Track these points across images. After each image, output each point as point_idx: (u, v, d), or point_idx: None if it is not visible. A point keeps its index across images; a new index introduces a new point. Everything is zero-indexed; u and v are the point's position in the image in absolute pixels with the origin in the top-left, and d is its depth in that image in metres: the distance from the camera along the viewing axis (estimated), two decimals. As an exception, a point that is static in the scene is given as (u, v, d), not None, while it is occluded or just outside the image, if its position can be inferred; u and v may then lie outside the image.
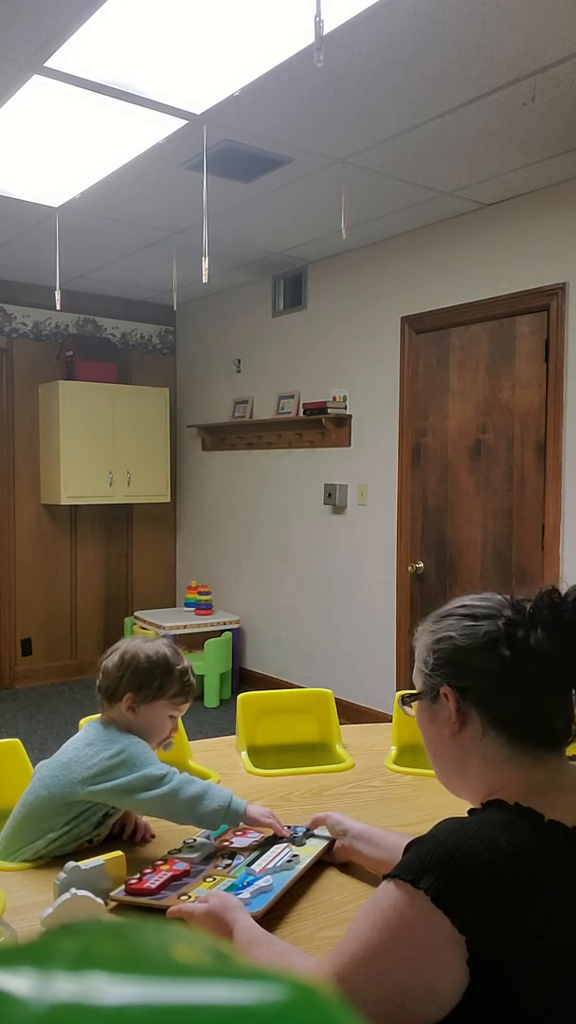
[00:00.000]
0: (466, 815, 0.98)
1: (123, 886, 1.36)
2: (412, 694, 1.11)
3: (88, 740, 1.58)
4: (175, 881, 1.38)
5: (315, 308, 5.24)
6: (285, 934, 1.27)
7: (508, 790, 0.98)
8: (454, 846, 0.89)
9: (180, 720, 2.03)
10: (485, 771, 1.02)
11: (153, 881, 1.37)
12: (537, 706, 1.00)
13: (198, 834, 1.56)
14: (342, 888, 1.42)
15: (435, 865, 0.87)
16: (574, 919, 0.88)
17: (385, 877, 0.92)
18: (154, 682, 1.59)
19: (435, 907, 0.85)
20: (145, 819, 1.66)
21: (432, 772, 1.12)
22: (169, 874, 1.39)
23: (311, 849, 1.48)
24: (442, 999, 0.86)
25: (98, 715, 1.67)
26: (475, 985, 0.86)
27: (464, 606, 1.07)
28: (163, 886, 1.36)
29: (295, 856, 1.45)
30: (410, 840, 0.95)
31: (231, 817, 1.51)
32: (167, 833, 1.63)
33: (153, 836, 1.64)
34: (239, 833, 1.58)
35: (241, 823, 1.53)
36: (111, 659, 1.64)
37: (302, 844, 1.50)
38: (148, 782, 1.48)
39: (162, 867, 1.42)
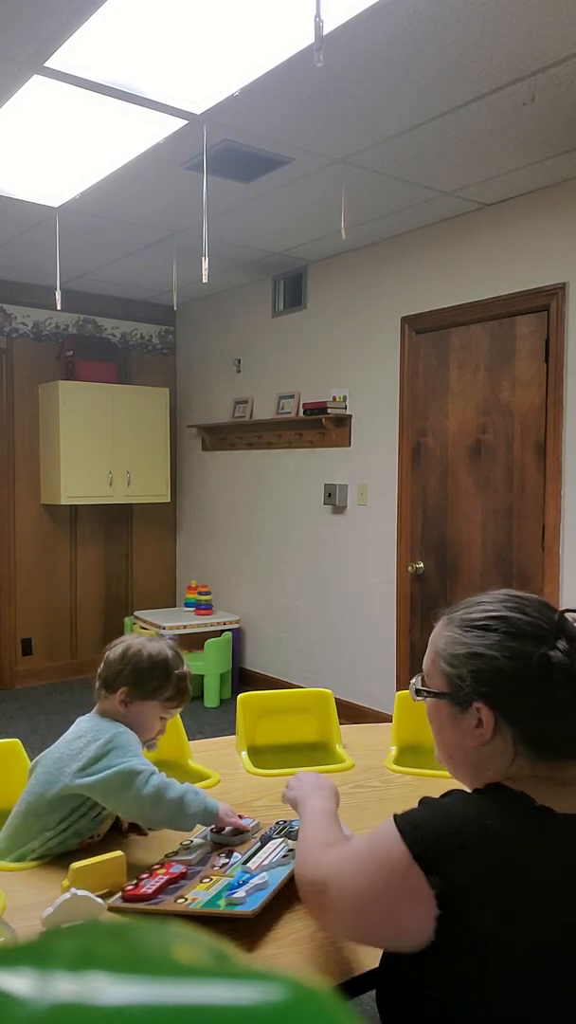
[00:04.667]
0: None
1: (120, 893, 1.36)
2: (433, 692, 1.09)
3: (79, 733, 1.59)
4: (172, 884, 1.38)
5: (315, 308, 5.24)
6: (285, 934, 1.27)
7: (516, 782, 1.01)
8: (446, 813, 0.98)
9: (180, 721, 2.04)
10: (500, 774, 1.03)
11: (150, 886, 1.36)
12: None
13: (194, 835, 1.56)
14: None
15: (425, 826, 0.97)
16: (550, 900, 0.92)
17: (394, 817, 1.01)
18: (151, 682, 1.61)
19: (414, 862, 0.94)
20: None
21: (433, 773, 1.13)
22: (166, 877, 1.39)
23: None
24: (403, 937, 0.97)
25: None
26: (442, 945, 0.93)
27: (504, 619, 1.03)
28: (160, 890, 1.36)
29: (290, 851, 1.45)
30: (423, 797, 1.03)
31: (206, 819, 1.52)
32: (163, 835, 1.63)
33: (150, 830, 1.65)
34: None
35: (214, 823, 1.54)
36: (115, 650, 1.66)
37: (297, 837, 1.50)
38: (129, 777, 1.47)
39: (159, 871, 1.42)
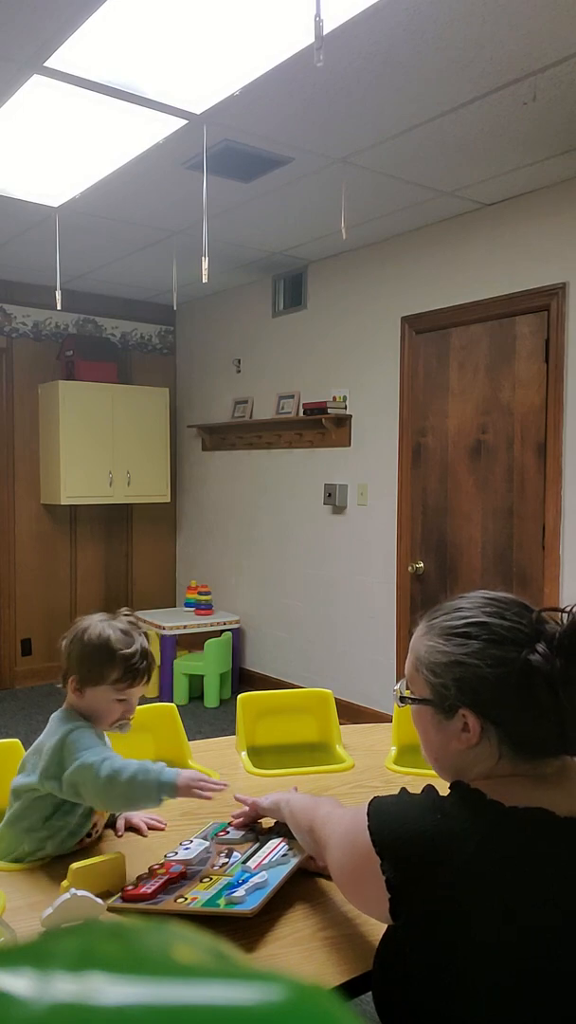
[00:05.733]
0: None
1: (120, 893, 1.36)
2: (417, 699, 1.10)
3: (46, 732, 1.57)
4: (171, 884, 1.38)
5: (315, 308, 5.24)
6: (285, 934, 1.27)
7: (482, 782, 1.03)
8: (404, 807, 1.04)
9: (180, 721, 2.04)
10: (483, 774, 1.05)
11: (150, 886, 1.36)
12: (563, 729, 1.01)
13: (194, 835, 1.56)
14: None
15: (386, 816, 1.04)
16: (495, 893, 0.94)
17: (371, 801, 1.08)
18: (95, 666, 1.55)
19: (372, 848, 1.02)
20: (142, 814, 1.67)
21: (432, 773, 1.13)
22: (165, 877, 1.39)
23: None
24: (371, 910, 1.07)
25: None
26: (397, 926, 1.01)
27: (483, 625, 1.03)
28: (159, 890, 1.36)
29: (290, 850, 1.45)
30: (402, 788, 1.09)
31: (165, 793, 1.43)
32: (163, 835, 1.63)
33: (150, 830, 1.64)
34: (235, 824, 1.58)
35: (178, 795, 1.45)
36: (65, 640, 1.60)
37: None
38: (85, 772, 1.44)
39: (158, 871, 1.42)
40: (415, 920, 0.98)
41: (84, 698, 1.56)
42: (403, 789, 1.08)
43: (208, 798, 1.46)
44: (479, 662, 1.02)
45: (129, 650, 1.56)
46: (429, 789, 1.06)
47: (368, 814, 1.05)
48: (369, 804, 1.07)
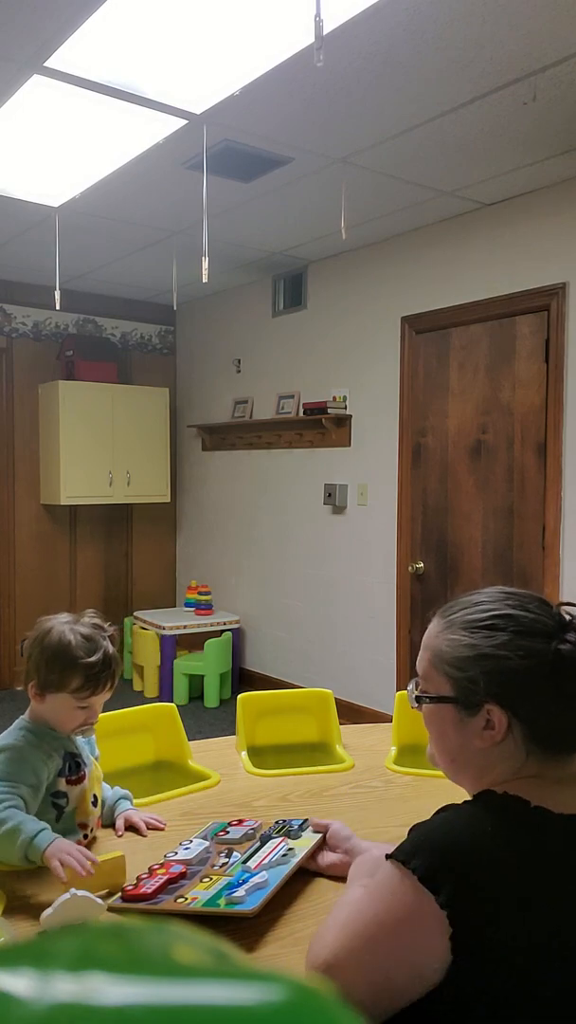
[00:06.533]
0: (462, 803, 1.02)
1: (120, 893, 1.36)
2: (436, 697, 1.06)
3: None
4: (172, 884, 1.38)
5: (315, 308, 5.24)
6: (285, 934, 1.27)
7: (510, 785, 1.00)
8: (442, 830, 0.96)
9: (180, 721, 2.04)
10: (506, 775, 1.02)
11: (149, 886, 1.36)
12: None
13: (194, 835, 1.55)
14: (341, 889, 1.41)
15: (424, 848, 0.94)
16: (554, 903, 0.92)
17: (387, 857, 0.98)
18: (53, 672, 1.49)
19: (422, 886, 0.92)
20: (142, 814, 1.66)
21: (432, 773, 1.12)
22: (165, 877, 1.39)
23: (306, 842, 1.47)
24: (426, 976, 0.92)
25: None
26: (457, 962, 0.91)
27: (510, 617, 1.02)
28: (159, 890, 1.36)
29: (290, 850, 1.44)
30: (412, 825, 1.00)
31: (32, 855, 1.36)
32: (163, 835, 1.63)
33: (150, 831, 1.63)
34: (234, 823, 1.58)
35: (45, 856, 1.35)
36: (28, 638, 1.54)
37: (297, 837, 1.49)
38: None
39: (158, 871, 1.41)
40: (475, 945, 0.91)
41: (45, 703, 1.52)
42: (415, 825, 1.01)
43: (61, 878, 1.30)
44: (509, 653, 0.99)
45: (91, 658, 1.48)
46: (450, 807, 1.01)
47: (399, 862, 0.95)
48: (389, 857, 0.97)
